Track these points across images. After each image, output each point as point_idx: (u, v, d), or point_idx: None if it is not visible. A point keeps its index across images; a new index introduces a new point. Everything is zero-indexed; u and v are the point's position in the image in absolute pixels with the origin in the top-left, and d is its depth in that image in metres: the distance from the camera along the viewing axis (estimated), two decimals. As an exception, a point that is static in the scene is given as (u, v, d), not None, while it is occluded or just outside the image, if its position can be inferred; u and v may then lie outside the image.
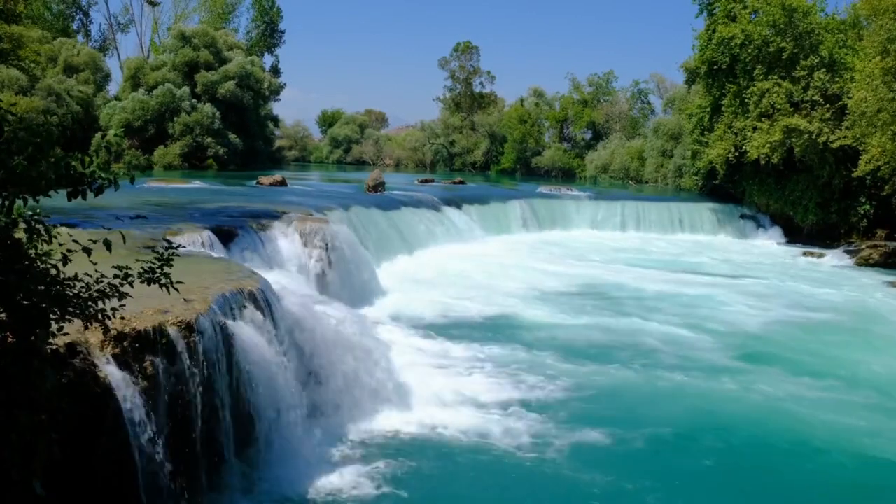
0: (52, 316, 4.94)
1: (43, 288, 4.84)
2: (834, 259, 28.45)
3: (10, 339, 4.77)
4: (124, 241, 5.57)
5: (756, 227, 34.71)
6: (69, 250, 4.98)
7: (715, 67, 34.20)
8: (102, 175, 4.80)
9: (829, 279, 24.17)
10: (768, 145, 31.10)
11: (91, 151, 4.85)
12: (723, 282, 22.53)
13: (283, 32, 73.28)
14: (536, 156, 66.50)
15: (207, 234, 13.82)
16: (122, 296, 5.35)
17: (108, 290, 5.29)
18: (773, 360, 14.09)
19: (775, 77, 31.76)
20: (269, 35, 71.90)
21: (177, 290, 5.67)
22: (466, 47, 74.21)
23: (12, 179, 4.53)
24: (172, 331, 7.07)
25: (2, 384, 4.56)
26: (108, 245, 4.90)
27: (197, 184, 30.85)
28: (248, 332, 8.28)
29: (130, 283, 5.39)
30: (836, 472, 9.51)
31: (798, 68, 31.41)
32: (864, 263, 27.49)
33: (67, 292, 5.01)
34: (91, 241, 5.11)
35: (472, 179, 51.03)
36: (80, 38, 63.11)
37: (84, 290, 5.14)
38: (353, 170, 68.04)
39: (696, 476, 9.24)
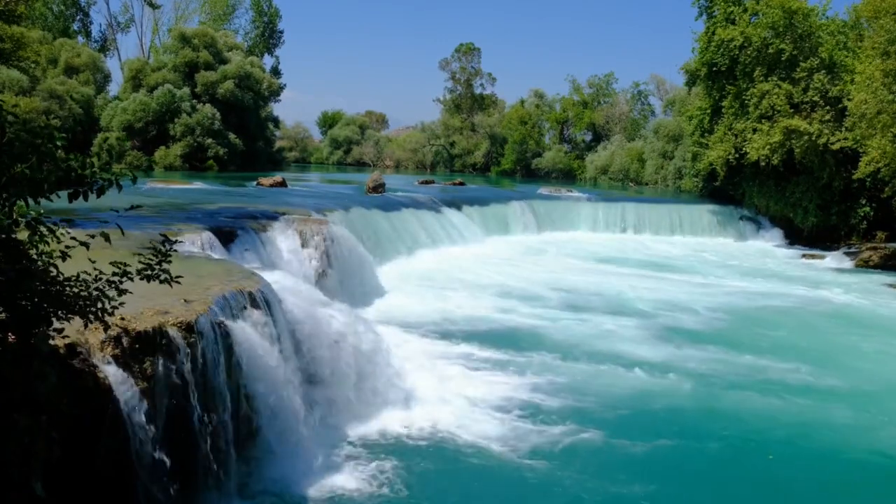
0: (51, 315, 4.95)
1: (43, 287, 4.86)
2: (834, 261, 28.46)
3: (10, 339, 4.78)
4: (122, 233, 5.57)
5: (756, 229, 34.72)
6: (68, 247, 5.00)
7: (715, 69, 34.22)
8: (104, 176, 4.81)
9: (828, 281, 24.14)
10: (768, 147, 31.12)
11: (93, 153, 4.88)
12: (717, 282, 22.57)
13: (282, 33, 73.56)
14: (537, 157, 66.51)
15: (207, 235, 13.84)
16: (122, 293, 5.36)
17: (106, 287, 5.30)
18: (770, 360, 14.06)
19: (775, 79, 31.78)
20: (268, 36, 71.98)
21: (178, 282, 5.69)
22: (468, 49, 74.25)
23: (14, 181, 4.55)
24: (172, 331, 7.07)
25: (1, 386, 4.57)
26: (106, 237, 4.92)
27: (197, 185, 30.87)
28: (248, 332, 8.28)
29: (130, 278, 5.40)
30: (831, 467, 9.57)
31: (798, 70, 31.43)
32: (864, 265, 27.50)
33: (67, 291, 5.02)
34: (89, 235, 5.12)
35: (473, 181, 51.03)
36: (80, 38, 63.17)
37: (84, 288, 5.15)
38: (354, 171, 68.09)
39: (705, 480, 9.25)
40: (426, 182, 42.73)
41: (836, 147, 29.52)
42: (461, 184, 41.96)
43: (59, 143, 4.68)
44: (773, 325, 17.33)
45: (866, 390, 12.64)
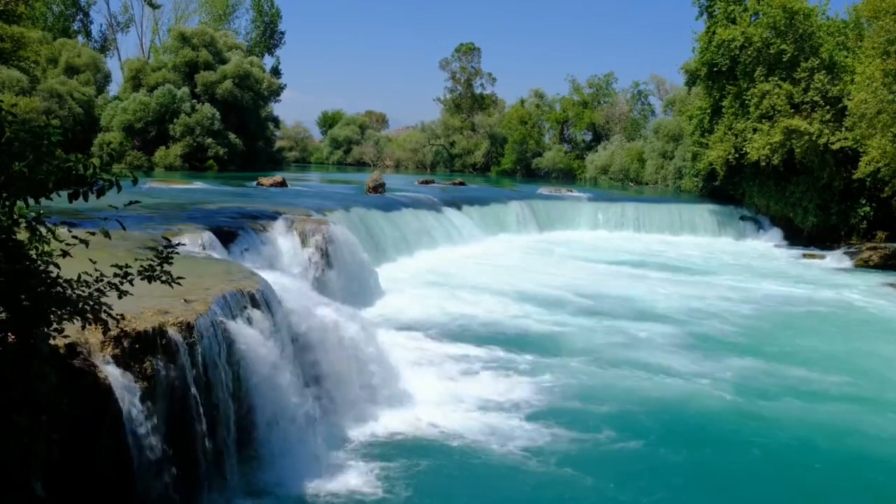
0: (52, 315, 4.95)
1: (43, 287, 4.85)
2: (834, 261, 28.46)
3: (10, 339, 4.78)
4: (124, 229, 5.57)
5: (756, 228, 34.72)
6: (68, 244, 5.00)
7: (715, 69, 34.22)
8: (104, 177, 4.81)
9: (838, 283, 24.02)
10: (768, 147, 31.12)
11: (94, 154, 4.89)
12: (725, 283, 22.56)
13: (283, 34, 73.45)
14: (537, 157, 66.52)
15: (208, 235, 13.84)
16: (122, 295, 5.35)
17: (107, 288, 5.29)
18: (801, 367, 13.81)
19: (775, 79, 31.77)
20: (268, 36, 71.94)
21: (179, 284, 5.69)
22: (468, 49, 74.24)
23: (13, 182, 4.54)
24: (173, 331, 7.07)
25: (1, 386, 4.57)
26: (106, 233, 4.91)
27: (197, 185, 30.86)
28: (248, 332, 8.28)
29: (130, 282, 5.40)
30: (828, 466, 9.57)
31: (798, 70, 31.43)
32: (864, 265, 27.50)
33: (68, 293, 5.02)
34: (89, 233, 5.12)
35: (473, 181, 51.03)
36: (80, 38, 63.14)
37: (84, 289, 5.15)
38: (354, 171, 68.10)
39: (697, 478, 9.23)
40: (426, 182, 42.73)
41: (836, 147, 29.51)
42: (461, 184, 41.96)
43: (54, 139, 4.67)
44: (796, 328, 17.18)
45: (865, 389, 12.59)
